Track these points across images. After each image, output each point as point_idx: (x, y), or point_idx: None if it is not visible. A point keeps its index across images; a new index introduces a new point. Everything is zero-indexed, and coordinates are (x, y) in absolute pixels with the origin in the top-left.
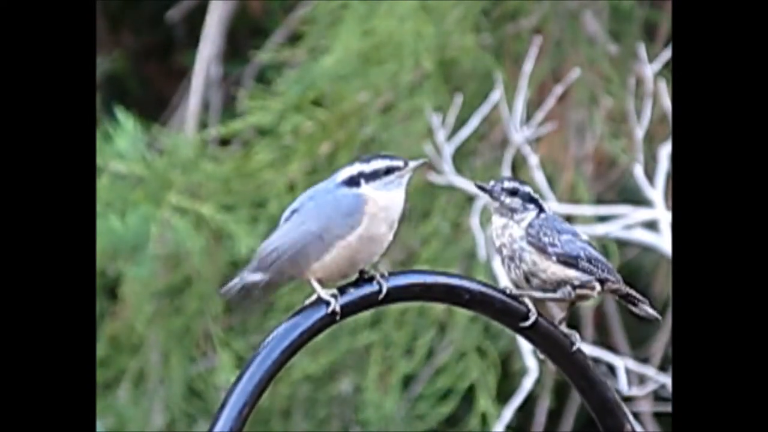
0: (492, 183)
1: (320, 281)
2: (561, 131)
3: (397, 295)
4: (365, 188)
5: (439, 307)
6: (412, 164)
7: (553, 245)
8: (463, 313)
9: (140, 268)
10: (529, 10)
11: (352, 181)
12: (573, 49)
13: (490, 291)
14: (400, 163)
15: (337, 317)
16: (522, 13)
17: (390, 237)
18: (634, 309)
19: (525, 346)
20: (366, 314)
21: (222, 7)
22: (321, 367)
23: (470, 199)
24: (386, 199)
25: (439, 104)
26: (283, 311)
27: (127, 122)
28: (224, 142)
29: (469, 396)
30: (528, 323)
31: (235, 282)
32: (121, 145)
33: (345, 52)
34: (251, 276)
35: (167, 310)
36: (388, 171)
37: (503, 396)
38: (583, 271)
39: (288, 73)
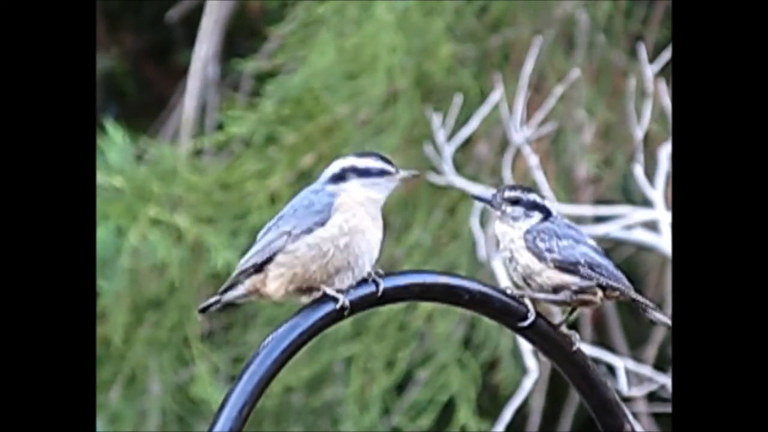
0: (493, 192)
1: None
2: (549, 135)
3: (397, 295)
4: (351, 183)
5: (419, 320)
6: (403, 173)
7: (550, 251)
8: (443, 326)
9: (111, 283)
10: (512, 21)
11: (341, 176)
12: (557, 59)
13: (489, 291)
14: (392, 169)
15: (346, 312)
16: (505, 24)
17: (376, 235)
18: (645, 314)
19: (525, 346)
20: (347, 327)
21: (219, 7)
22: (301, 379)
23: (452, 210)
24: (364, 196)
25: (414, 117)
26: (265, 324)
27: (116, 134)
28: (218, 148)
29: (450, 408)
30: (527, 323)
31: (214, 300)
32: (110, 157)
33: (320, 66)
34: (230, 294)
35: (148, 321)
36: (382, 173)
37: (484, 408)
38: (582, 276)
39: (268, 85)
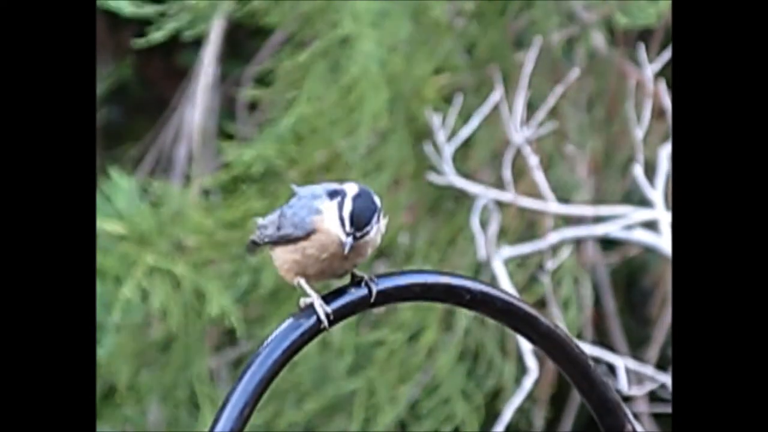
0: None
1: (298, 279)
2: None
3: (398, 295)
4: (331, 213)
5: (422, 353)
6: (346, 242)
7: None
8: (447, 358)
9: (103, 342)
10: (504, 55)
11: (334, 193)
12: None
13: (491, 290)
14: (344, 237)
15: (326, 329)
16: (498, 59)
17: (350, 260)
18: None
19: (525, 345)
20: (349, 362)
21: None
22: (306, 415)
23: (452, 241)
24: (335, 237)
25: (402, 156)
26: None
27: (122, 180)
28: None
29: None
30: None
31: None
32: (120, 203)
33: (307, 111)
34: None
35: (152, 367)
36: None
37: None
38: None
39: (266, 126)
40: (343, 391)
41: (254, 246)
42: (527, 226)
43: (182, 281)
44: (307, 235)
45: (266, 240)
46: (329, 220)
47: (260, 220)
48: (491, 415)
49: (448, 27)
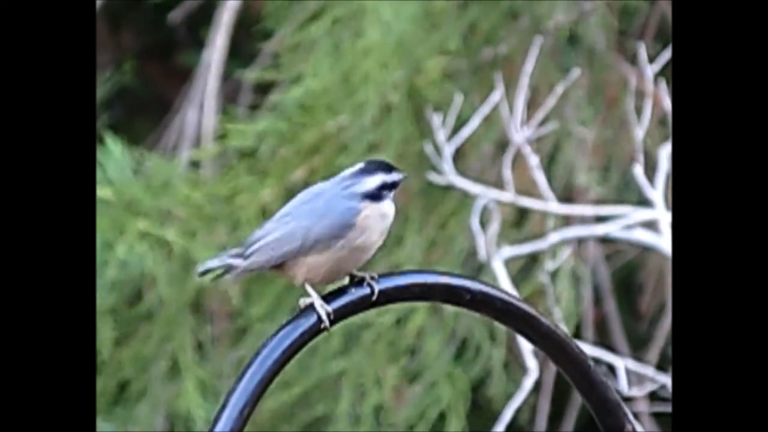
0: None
1: (310, 283)
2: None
3: (398, 295)
4: (386, 201)
5: (410, 336)
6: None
7: None
8: (434, 342)
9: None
10: (503, 37)
11: (379, 193)
12: (546, 78)
13: (491, 291)
14: (401, 176)
15: (326, 329)
16: (495, 40)
17: (380, 243)
18: None
19: (525, 345)
20: (337, 344)
21: (228, 8)
22: (293, 397)
23: (439, 233)
24: (381, 210)
25: (406, 134)
26: (256, 336)
27: (114, 147)
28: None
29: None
30: None
31: (214, 264)
32: (109, 169)
33: (313, 86)
34: (232, 260)
35: (136, 336)
36: (393, 185)
37: (474, 423)
38: None
39: (268, 97)
40: (329, 373)
41: (237, 274)
42: (518, 223)
43: (173, 246)
44: (352, 225)
45: (285, 258)
46: (377, 205)
47: (232, 250)
48: (477, 400)
49: (452, 11)
